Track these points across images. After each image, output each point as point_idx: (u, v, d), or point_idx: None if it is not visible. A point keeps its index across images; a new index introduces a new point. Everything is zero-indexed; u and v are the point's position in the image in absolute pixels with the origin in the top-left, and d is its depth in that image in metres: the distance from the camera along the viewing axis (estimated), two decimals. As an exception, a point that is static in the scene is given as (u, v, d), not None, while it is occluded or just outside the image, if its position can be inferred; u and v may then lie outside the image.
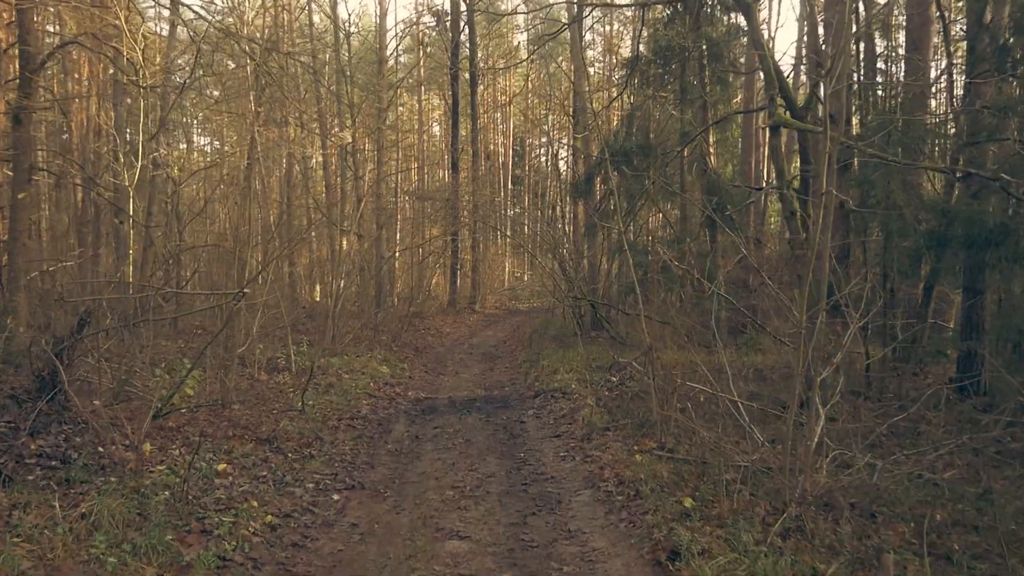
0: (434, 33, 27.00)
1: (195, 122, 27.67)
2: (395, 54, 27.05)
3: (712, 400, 7.68)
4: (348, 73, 20.66)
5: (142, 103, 12.64)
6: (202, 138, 31.25)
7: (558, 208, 25.66)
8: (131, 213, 13.18)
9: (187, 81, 12.04)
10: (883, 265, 8.24)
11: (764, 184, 19.46)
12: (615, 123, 16.54)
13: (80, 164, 12.23)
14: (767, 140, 23.64)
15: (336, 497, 5.74)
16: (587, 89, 19.16)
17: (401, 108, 33.06)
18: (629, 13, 31.03)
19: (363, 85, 24.35)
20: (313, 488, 5.90)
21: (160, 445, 6.31)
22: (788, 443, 4.58)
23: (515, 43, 38.40)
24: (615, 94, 16.33)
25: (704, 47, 14.50)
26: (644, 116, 14.83)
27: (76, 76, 15.89)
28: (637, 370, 10.16)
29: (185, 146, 23.94)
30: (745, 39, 18.64)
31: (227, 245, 13.12)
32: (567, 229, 22.54)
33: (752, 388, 8.12)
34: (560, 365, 12.38)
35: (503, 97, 39.83)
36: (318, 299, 21.21)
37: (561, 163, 37.37)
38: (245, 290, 7.43)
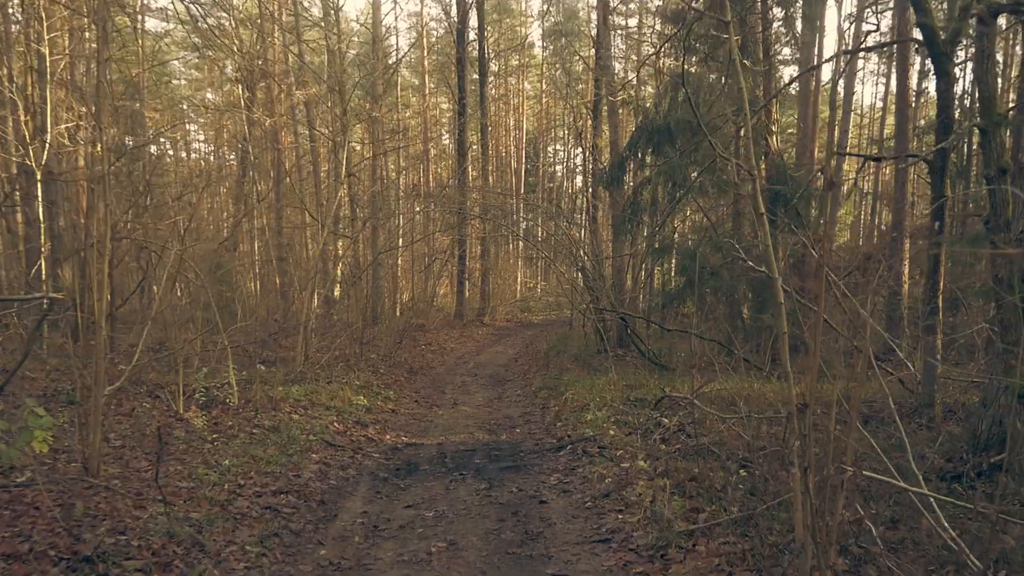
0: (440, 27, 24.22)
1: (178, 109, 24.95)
2: (394, 34, 24.25)
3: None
4: (339, 58, 17.82)
5: (47, 61, 9.81)
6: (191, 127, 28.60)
7: (580, 200, 22.73)
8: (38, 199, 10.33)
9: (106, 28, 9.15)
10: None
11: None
12: (651, 96, 13.59)
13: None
14: (829, 124, 20.52)
15: None
16: (614, 37, 16.18)
17: (407, 112, 30.30)
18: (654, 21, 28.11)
19: (360, 80, 21.56)
20: None
21: None
22: None
23: (526, 34, 35.69)
24: (652, 56, 13.30)
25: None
26: (697, 82, 11.75)
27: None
28: (703, 412, 7.06)
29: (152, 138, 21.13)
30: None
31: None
32: (589, 232, 19.51)
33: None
34: (588, 397, 9.37)
35: (516, 99, 37.02)
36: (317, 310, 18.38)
37: (578, 169, 34.59)
38: (52, 295, 4.46)
